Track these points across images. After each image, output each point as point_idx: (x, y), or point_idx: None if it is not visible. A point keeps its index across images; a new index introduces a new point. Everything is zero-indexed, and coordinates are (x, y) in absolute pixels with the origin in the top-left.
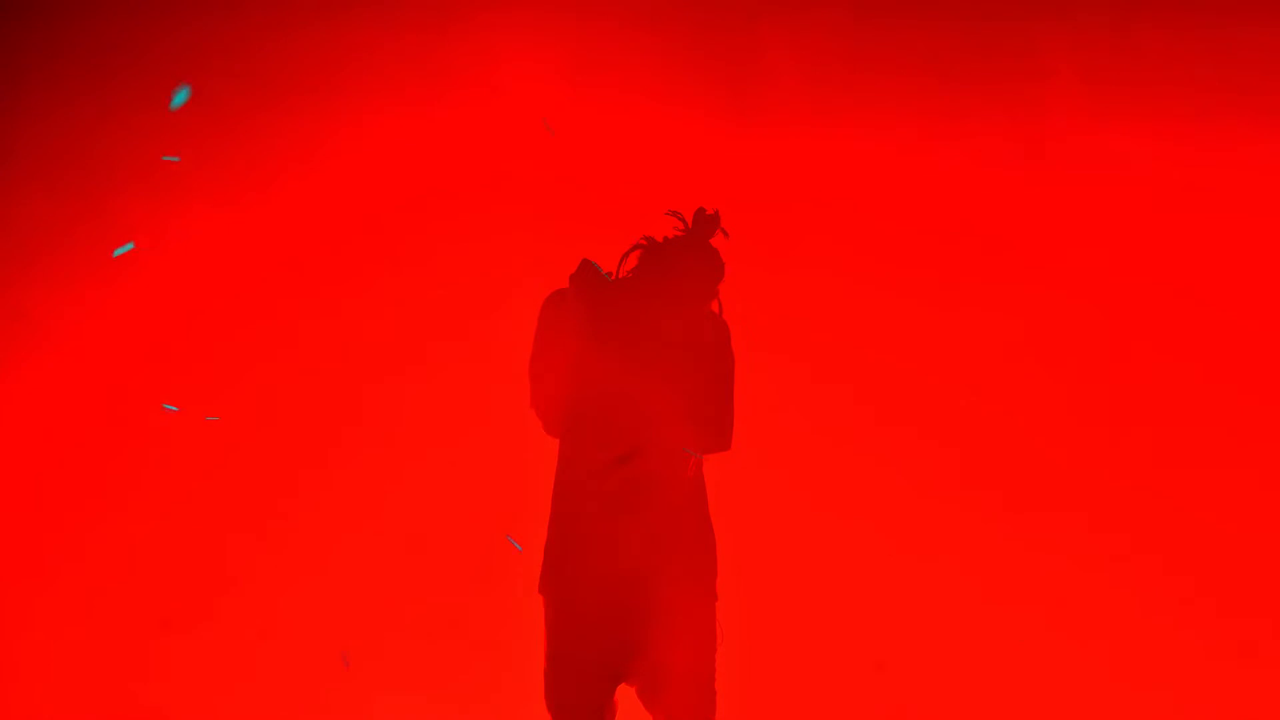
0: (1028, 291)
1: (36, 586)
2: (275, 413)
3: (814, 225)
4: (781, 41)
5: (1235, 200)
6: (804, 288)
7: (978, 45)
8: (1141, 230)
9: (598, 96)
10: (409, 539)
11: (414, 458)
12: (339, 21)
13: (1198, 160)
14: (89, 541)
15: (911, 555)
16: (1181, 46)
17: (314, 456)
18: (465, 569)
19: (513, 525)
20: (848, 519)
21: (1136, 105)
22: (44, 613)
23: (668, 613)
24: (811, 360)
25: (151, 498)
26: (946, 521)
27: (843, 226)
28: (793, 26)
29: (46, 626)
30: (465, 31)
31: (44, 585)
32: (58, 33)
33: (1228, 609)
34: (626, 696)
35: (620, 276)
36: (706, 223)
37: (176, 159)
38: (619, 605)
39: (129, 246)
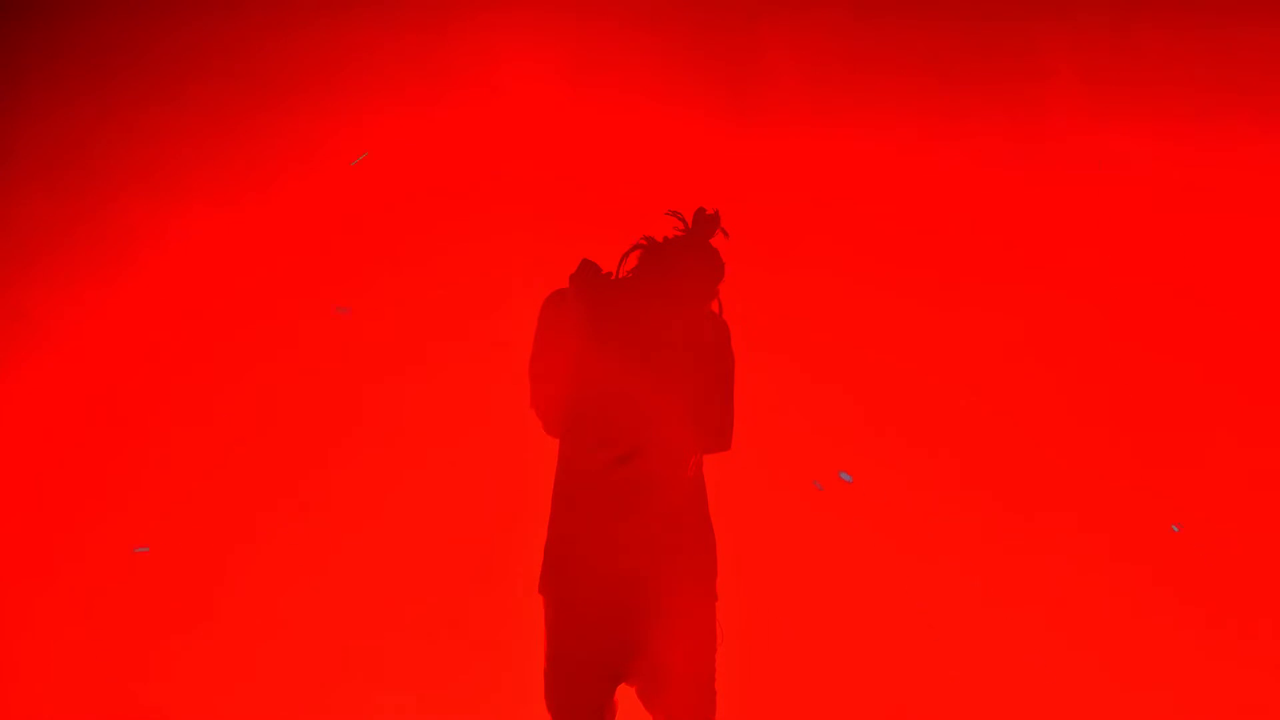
0: (1028, 291)
1: (36, 586)
2: (275, 413)
3: (814, 225)
4: (781, 41)
5: (1235, 200)
6: (804, 288)
7: (978, 45)
8: (1141, 230)
9: (598, 96)
10: (409, 539)
11: (414, 458)
12: (339, 21)
13: (1198, 160)
14: (89, 541)
15: (911, 555)
16: (1181, 46)
17: (314, 456)
18: (465, 569)
19: (513, 525)
20: (848, 519)
21: (1136, 105)
22: (44, 613)
23: (668, 613)
24: (811, 360)
25: (151, 498)
26: (946, 521)
27: (843, 226)
28: (793, 26)
29: (46, 626)
30: (465, 31)
31: (44, 585)
32: (58, 33)
33: (1227, 609)
34: (626, 696)
35: (620, 276)
36: (706, 223)
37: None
38: (619, 605)
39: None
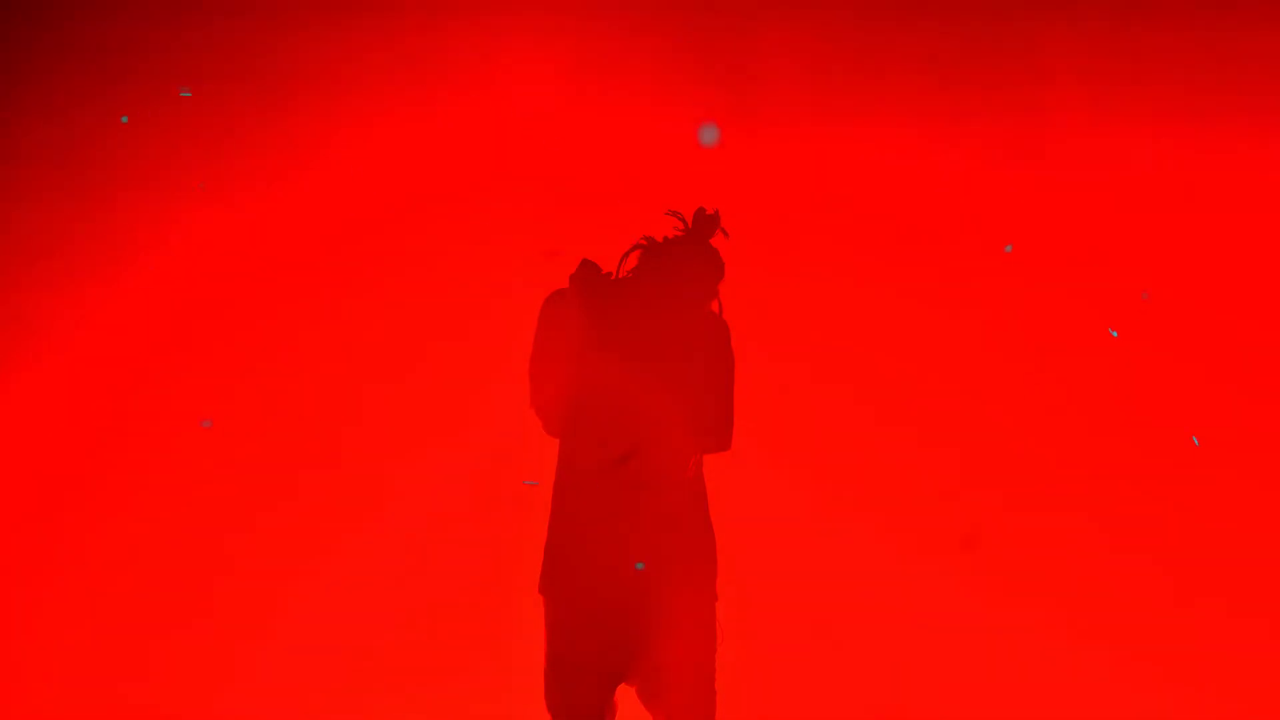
0: (1028, 291)
1: (36, 586)
2: (275, 413)
3: (814, 225)
4: (781, 42)
5: (1235, 200)
6: (804, 288)
7: (978, 45)
8: (1141, 230)
9: (598, 96)
10: (409, 539)
11: (414, 458)
12: (339, 22)
13: (1198, 160)
14: (89, 541)
15: (911, 555)
16: (1181, 46)
17: (314, 456)
18: (465, 569)
19: (512, 525)
20: (848, 519)
21: (1136, 105)
22: (44, 613)
23: (668, 613)
24: (811, 360)
25: (151, 498)
26: (946, 521)
27: (843, 226)
28: (793, 27)
29: (46, 626)
30: (465, 32)
31: (44, 585)
32: (58, 33)
33: (1227, 609)
34: (626, 696)
35: (620, 276)
36: (706, 223)
37: (187, 93)
38: (619, 605)
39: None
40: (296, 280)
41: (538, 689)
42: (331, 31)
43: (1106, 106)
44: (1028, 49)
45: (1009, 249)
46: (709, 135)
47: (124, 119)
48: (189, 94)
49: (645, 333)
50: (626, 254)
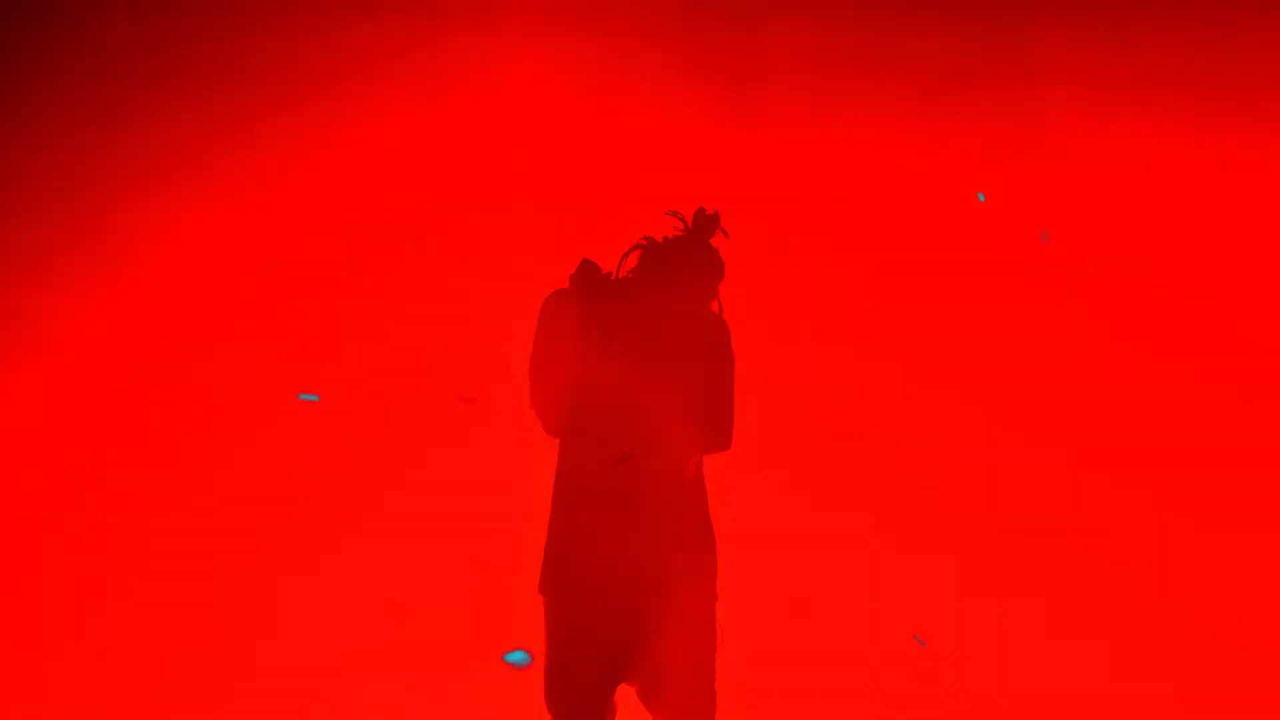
0: (1028, 291)
1: (36, 586)
2: (275, 413)
3: (814, 225)
4: (782, 42)
5: (1235, 200)
6: (804, 288)
7: (978, 45)
8: (1141, 230)
9: (598, 96)
10: (409, 539)
11: (414, 458)
12: (339, 22)
13: (1198, 160)
14: (89, 541)
15: (911, 555)
16: (1181, 46)
17: (314, 456)
18: (465, 569)
19: (513, 525)
20: (848, 519)
21: (1136, 105)
22: (44, 613)
23: (668, 613)
24: (811, 360)
25: (152, 498)
26: (946, 521)
27: (843, 226)
28: (793, 27)
29: (46, 626)
30: (466, 32)
31: (44, 585)
32: (59, 33)
33: (1226, 609)
34: (626, 696)
35: (620, 276)
36: (706, 223)
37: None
38: (619, 605)
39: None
40: (296, 280)
41: (538, 689)
42: (331, 31)
43: (1106, 106)
44: (1027, 49)
45: (1045, 237)
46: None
47: None
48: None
49: (645, 333)
50: (626, 254)
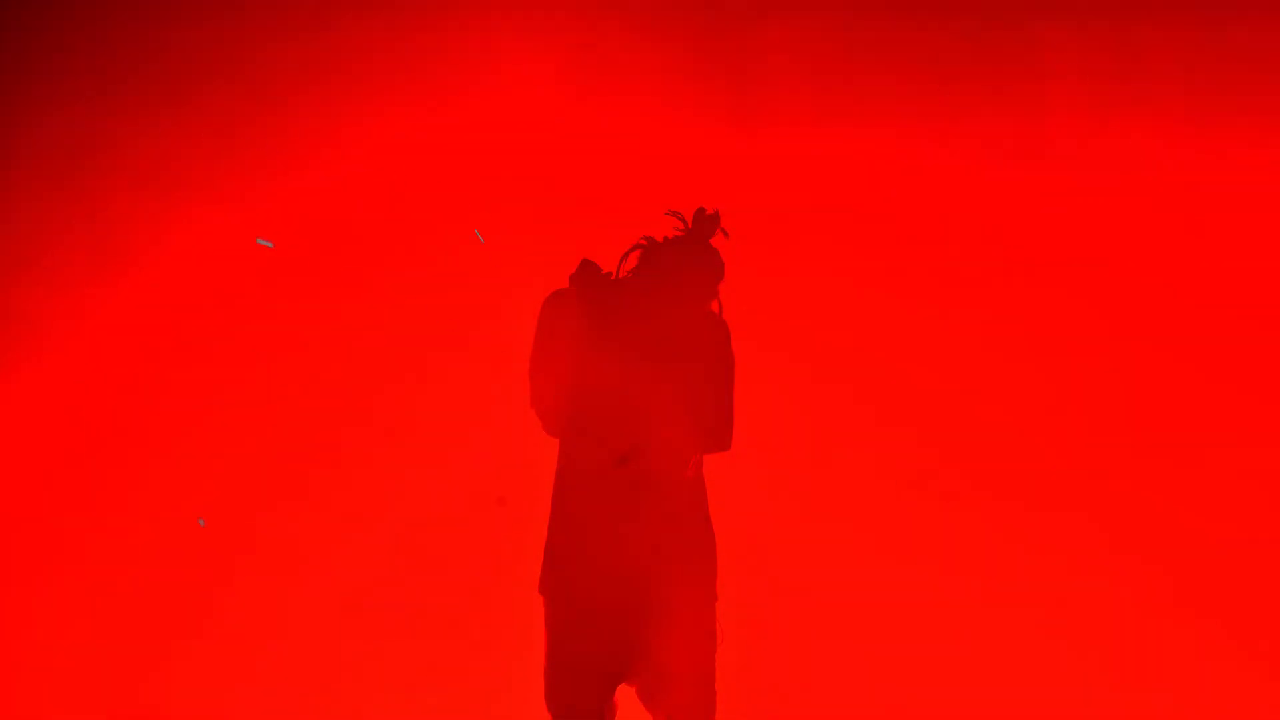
0: (1028, 291)
1: (37, 586)
2: (275, 413)
3: (814, 225)
4: (782, 42)
5: (1235, 200)
6: (804, 288)
7: (978, 45)
8: (1141, 230)
9: (598, 96)
10: (410, 539)
11: (414, 458)
12: (339, 22)
13: (1198, 160)
14: (89, 541)
15: (911, 555)
16: (1181, 46)
17: (314, 457)
18: (465, 569)
19: (513, 525)
20: (848, 519)
21: (1136, 105)
22: (44, 613)
23: (668, 613)
24: (811, 360)
25: (151, 498)
26: (946, 521)
27: (843, 226)
28: (793, 27)
29: (46, 626)
30: (465, 32)
31: (44, 585)
32: (58, 33)
33: (1226, 609)
34: (626, 696)
35: (620, 276)
36: (706, 223)
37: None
38: (619, 605)
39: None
40: (296, 280)
41: (538, 689)
42: (331, 31)
43: (1106, 106)
44: (1028, 48)
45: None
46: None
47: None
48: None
49: (645, 333)
50: (626, 254)
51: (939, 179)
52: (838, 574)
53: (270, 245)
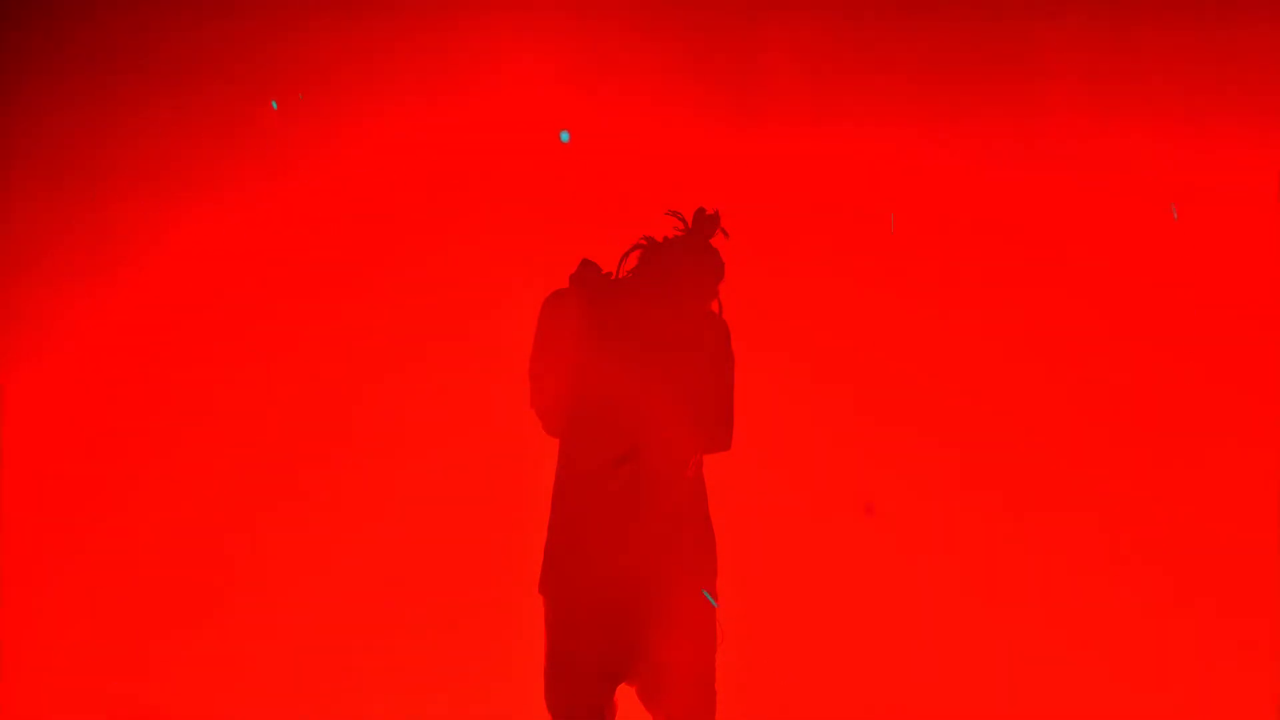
0: (1028, 291)
1: (37, 586)
2: (275, 413)
3: (814, 225)
4: (781, 41)
5: (1235, 200)
6: (804, 288)
7: (978, 45)
8: (1141, 230)
9: (598, 96)
10: (409, 539)
11: (414, 458)
12: (339, 22)
13: (1198, 160)
14: (89, 541)
15: (911, 555)
16: (1181, 46)
17: (314, 456)
18: (465, 569)
19: (513, 525)
20: (848, 519)
21: (1136, 105)
22: (44, 613)
23: (668, 613)
24: (811, 360)
25: (151, 497)
26: (946, 521)
27: (843, 226)
28: (793, 26)
29: (46, 626)
30: (466, 32)
31: (44, 585)
32: (58, 33)
33: (1226, 609)
34: (626, 696)
35: (620, 276)
36: (706, 223)
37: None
38: (619, 605)
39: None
40: (296, 280)
41: (538, 689)
42: (331, 31)
43: (1106, 105)
44: (1027, 48)
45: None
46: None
47: (274, 104)
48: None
49: (645, 333)
50: (626, 254)
51: (939, 179)
52: (838, 574)
53: (275, 105)
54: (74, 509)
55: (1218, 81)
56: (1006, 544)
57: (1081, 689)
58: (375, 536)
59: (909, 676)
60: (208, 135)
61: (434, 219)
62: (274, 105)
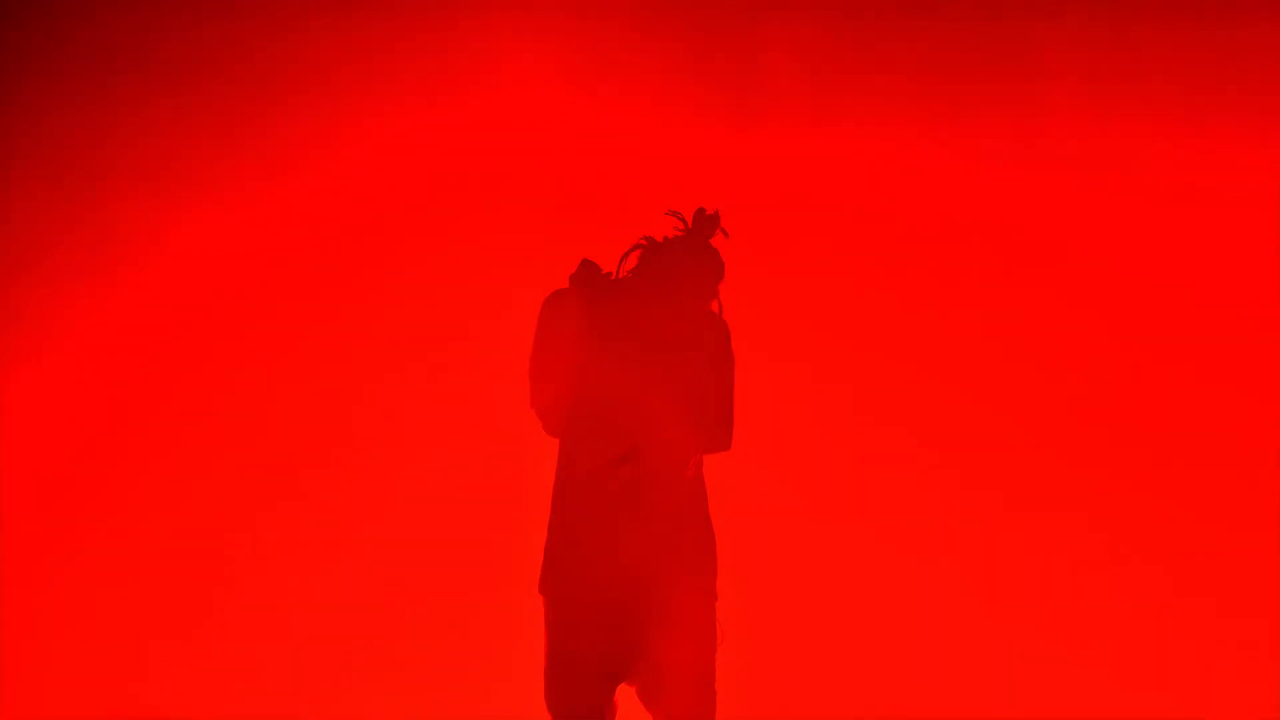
0: (1028, 291)
1: (37, 586)
2: (275, 413)
3: (814, 225)
4: (781, 41)
5: (1234, 201)
6: (804, 288)
7: (978, 45)
8: (1141, 230)
9: (598, 96)
10: (409, 539)
11: (414, 458)
12: (339, 22)
13: (1198, 160)
14: (89, 541)
15: (911, 555)
16: (1181, 46)
17: (314, 456)
18: (465, 569)
19: (513, 525)
20: (848, 519)
21: (1136, 105)
22: (44, 613)
23: (668, 613)
24: (811, 360)
25: (151, 497)
26: (946, 521)
27: (843, 226)
28: (793, 26)
29: (46, 626)
30: (465, 32)
31: (44, 585)
32: (58, 33)
33: (1226, 609)
34: (626, 696)
35: (620, 276)
36: (706, 223)
37: None
38: (619, 605)
39: None
40: (296, 280)
41: (538, 689)
42: (331, 31)
43: (1106, 106)
44: (1027, 48)
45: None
46: None
47: None
48: None
49: (645, 333)
50: (626, 254)
51: (939, 179)
52: (837, 574)
53: None
54: (74, 509)
55: (1218, 81)
56: (1006, 544)
57: (1081, 689)
58: (375, 536)
59: (909, 676)
60: (208, 135)
61: (434, 219)
62: None
